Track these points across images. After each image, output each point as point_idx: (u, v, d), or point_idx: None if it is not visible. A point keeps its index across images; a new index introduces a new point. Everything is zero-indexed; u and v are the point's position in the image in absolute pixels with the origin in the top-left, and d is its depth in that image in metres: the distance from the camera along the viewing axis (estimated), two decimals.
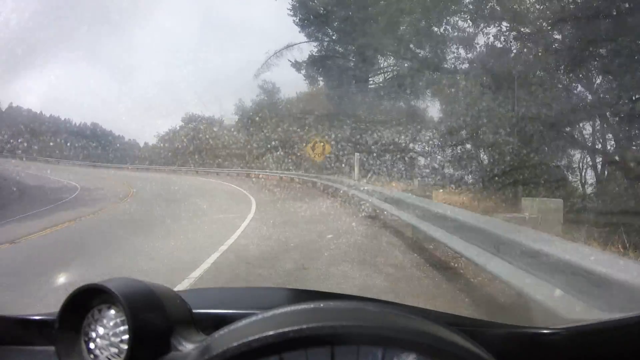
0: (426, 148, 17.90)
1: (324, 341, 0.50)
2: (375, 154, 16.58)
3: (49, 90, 36.81)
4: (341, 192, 11.22)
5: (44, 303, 3.08)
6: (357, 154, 14.48)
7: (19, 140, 24.43)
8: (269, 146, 20.91)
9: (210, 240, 5.81)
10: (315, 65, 21.31)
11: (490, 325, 0.82)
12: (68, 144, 30.40)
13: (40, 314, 0.89)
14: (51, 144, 28.16)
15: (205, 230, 6.82)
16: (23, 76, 48.76)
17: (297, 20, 20.80)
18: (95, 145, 32.12)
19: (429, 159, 17.66)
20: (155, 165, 27.93)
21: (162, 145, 29.38)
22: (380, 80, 21.37)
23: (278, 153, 20.29)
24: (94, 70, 44.75)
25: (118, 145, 32.77)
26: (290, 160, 19.72)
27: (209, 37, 46.82)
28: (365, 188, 9.06)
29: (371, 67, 20.63)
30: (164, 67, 46.47)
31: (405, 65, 19.91)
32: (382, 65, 21.28)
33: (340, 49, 21.39)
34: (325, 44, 21.47)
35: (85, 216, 8.62)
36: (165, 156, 27.75)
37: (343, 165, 15.95)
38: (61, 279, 3.93)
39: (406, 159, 17.89)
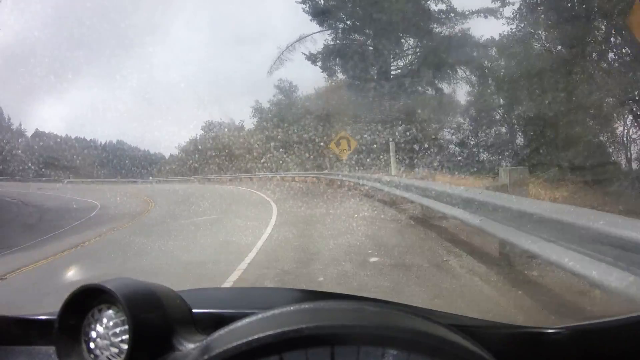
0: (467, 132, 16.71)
1: (324, 341, 0.50)
2: (409, 145, 15.33)
3: (73, 113, 37.14)
4: (381, 192, 9.52)
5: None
6: (391, 143, 12.68)
7: (46, 164, 24.74)
8: (290, 147, 20.04)
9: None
10: (331, 55, 19.92)
11: (491, 325, 0.82)
12: (95, 163, 30.73)
13: (40, 314, 0.88)
14: (78, 163, 28.53)
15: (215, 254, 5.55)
16: (47, 102, 49.50)
17: (308, 8, 19.64)
18: (122, 162, 32.11)
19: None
20: (179, 176, 28.05)
21: (184, 155, 29.49)
22: (402, 64, 20.08)
23: (300, 153, 19.40)
24: (115, 88, 45.16)
25: (144, 159, 33.10)
26: (314, 159, 18.91)
27: (221, 43, 47.23)
28: (412, 184, 7.24)
29: (392, 51, 19.16)
30: (181, 78, 46.85)
31: (430, 44, 18.67)
32: (404, 47, 19.87)
33: (356, 35, 19.95)
34: (340, 31, 20.09)
35: (89, 241, 7.92)
36: (189, 166, 27.66)
37: (373, 160, 14.73)
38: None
39: (456, 148, 16.78)
